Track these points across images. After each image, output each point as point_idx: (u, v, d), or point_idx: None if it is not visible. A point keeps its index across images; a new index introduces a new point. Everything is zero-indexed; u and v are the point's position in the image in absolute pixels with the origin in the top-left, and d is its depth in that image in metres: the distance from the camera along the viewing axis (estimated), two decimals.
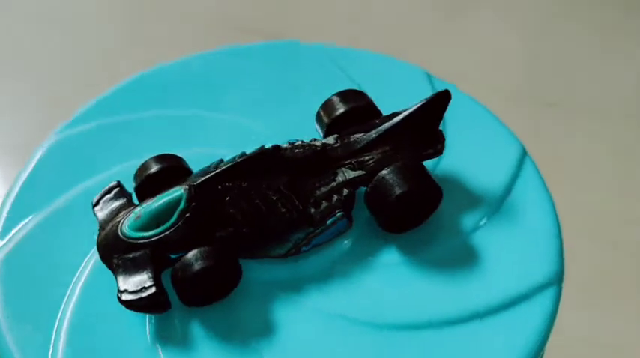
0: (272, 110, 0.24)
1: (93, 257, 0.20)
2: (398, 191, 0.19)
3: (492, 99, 0.53)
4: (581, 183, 0.49)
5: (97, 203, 0.20)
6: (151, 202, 0.19)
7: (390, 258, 0.20)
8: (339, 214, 0.20)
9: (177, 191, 0.19)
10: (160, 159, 0.20)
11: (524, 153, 0.23)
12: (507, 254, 0.20)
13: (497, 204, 0.21)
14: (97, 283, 0.20)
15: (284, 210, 0.19)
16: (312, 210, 0.20)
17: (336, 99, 0.22)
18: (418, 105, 0.20)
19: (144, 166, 0.20)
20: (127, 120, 0.24)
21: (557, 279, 0.20)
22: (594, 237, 0.46)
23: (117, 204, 0.20)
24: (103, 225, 0.19)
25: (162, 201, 0.19)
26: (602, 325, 0.43)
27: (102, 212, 0.20)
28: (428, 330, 0.19)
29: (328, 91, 0.22)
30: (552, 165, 0.51)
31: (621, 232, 0.47)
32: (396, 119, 0.20)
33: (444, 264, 0.20)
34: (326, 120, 0.21)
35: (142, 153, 0.22)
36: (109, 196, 0.20)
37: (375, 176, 0.20)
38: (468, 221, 0.21)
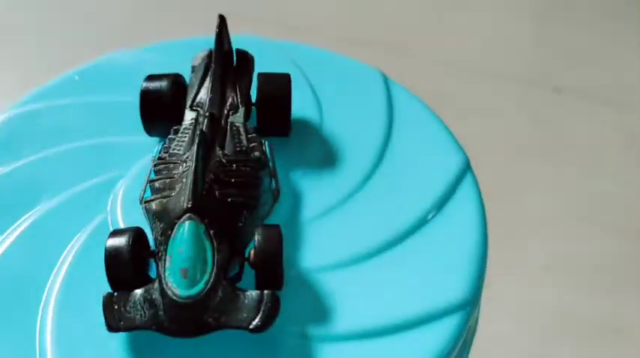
0: None
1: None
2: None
3: (501, 85, 0.52)
4: (589, 169, 0.49)
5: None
6: (170, 256, 0.18)
7: (309, 265, 0.20)
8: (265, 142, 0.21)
9: (185, 226, 0.18)
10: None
11: (467, 165, 0.22)
12: (425, 271, 0.20)
13: (426, 217, 0.21)
14: None
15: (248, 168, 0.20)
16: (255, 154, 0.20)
17: None
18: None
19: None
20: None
21: (469, 303, 0.19)
22: (601, 223, 0.46)
23: None
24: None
25: (183, 249, 0.18)
26: (612, 308, 0.42)
27: None
28: (323, 343, 0.18)
29: None
30: (560, 150, 0.50)
31: (628, 218, 0.46)
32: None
33: (361, 273, 0.20)
34: None
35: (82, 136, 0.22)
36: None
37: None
38: (394, 231, 0.20)
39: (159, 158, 0.20)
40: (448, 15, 0.59)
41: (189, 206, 0.18)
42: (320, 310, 0.19)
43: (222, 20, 0.22)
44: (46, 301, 0.19)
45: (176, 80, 0.22)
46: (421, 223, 0.21)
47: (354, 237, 0.20)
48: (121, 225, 0.21)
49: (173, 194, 0.19)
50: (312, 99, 0.24)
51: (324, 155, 0.22)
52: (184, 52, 0.26)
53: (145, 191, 0.20)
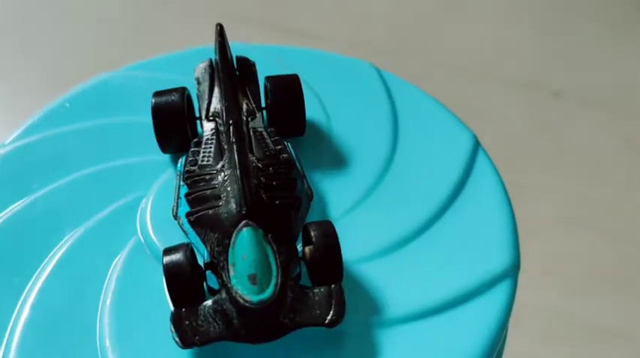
0: None
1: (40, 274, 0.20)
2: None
3: (500, 88, 0.53)
4: (587, 174, 0.50)
5: None
6: (233, 265, 0.18)
7: (347, 258, 0.20)
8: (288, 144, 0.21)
9: (244, 233, 0.18)
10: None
11: (476, 143, 0.23)
12: (461, 248, 0.20)
13: (450, 198, 0.22)
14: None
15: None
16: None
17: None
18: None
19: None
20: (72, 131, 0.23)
21: (512, 270, 0.20)
22: (600, 228, 0.46)
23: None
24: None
25: (247, 256, 0.18)
26: (612, 312, 0.43)
27: None
28: (385, 327, 0.19)
29: None
30: (558, 155, 0.51)
31: (627, 224, 0.47)
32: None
33: (400, 260, 0.20)
34: None
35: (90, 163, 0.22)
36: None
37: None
38: (422, 216, 0.21)
39: (187, 171, 0.20)
40: (447, 19, 0.60)
41: (244, 212, 0.18)
42: (372, 298, 0.19)
43: (221, 28, 0.23)
44: (101, 334, 0.19)
45: (184, 93, 0.22)
46: (447, 204, 0.21)
47: (384, 228, 0.21)
48: (158, 244, 0.20)
49: (221, 203, 0.19)
50: (311, 98, 0.24)
51: (336, 152, 0.23)
52: (172, 67, 0.26)
53: (178, 206, 0.20)
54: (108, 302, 0.19)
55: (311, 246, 0.18)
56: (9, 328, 0.19)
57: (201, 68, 0.23)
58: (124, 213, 0.21)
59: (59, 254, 0.20)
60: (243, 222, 0.18)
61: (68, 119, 0.24)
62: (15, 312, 0.19)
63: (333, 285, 0.18)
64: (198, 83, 0.23)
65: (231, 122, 0.21)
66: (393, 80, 0.25)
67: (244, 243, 0.18)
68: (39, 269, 0.20)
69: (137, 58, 0.26)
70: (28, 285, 0.20)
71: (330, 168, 0.23)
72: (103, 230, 0.21)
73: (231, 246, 0.18)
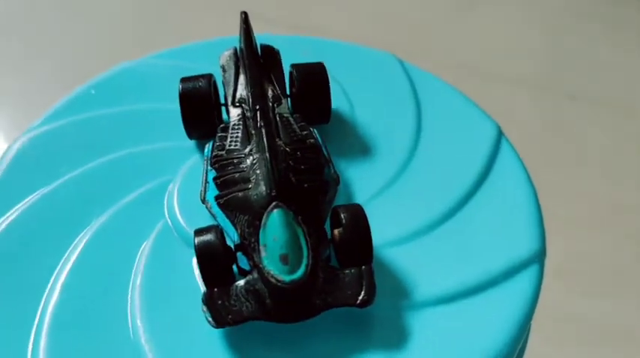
0: None
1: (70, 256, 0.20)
2: None
3: (514, 91, 0.53)
4: (603, 175, 0.49)
5: None
6: (264, 246, 0.18)
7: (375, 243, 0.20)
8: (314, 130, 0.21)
9: (274, 214, 0.18)
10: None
11: (499, 132, 0.23)
12: (489, 233, 0.21)
13: (476, 185, 0.22)
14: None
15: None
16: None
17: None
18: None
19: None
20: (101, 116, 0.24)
21: (539, 255, 0.20)
22: (615, 229, 0.46)
23: None
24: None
25: (278, 237, 0.18)
26: (625, 313, 0.43)
27: None
28: (412, 311, 0.19)
29: None
30: (573, 156, 0.51)
31: None
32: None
33: (426, 245, 0.20)
34: None
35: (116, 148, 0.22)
36: None
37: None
38: (448, 202, 0.21)
39: (215, 156, 0.21)
40: (462, 20, 0.60)
41: (274, 194, 0.18)
42: (398, 282, 0.20)
43: (246, 16, 0.23)
44: (132, 314, 0.19)
45: (211, 79, 0.22)
46: (472, 191, 0.22)
47: (409, 214, 0.21)
48: (185, 227, 0.20)
49: (250, 186, 0.19)
50: (335, 88, 0.24)
51: (361, 141, 0.23)
52: (194, 56, 0.26)
53: (206, 190, 0.20)
54: (138, 282, 0.19)
55: (340, 229, 0.19)
56: (40, 308, 0.19)
57: (226, 56, 0.23)
58: (151, 197, 0.21)
59: (88, 236, 0.20)
60: (274, 203, 0.18)
61: (94, 105, 0.24)
62: (46, 292, 0.19)
63: (363, 266, 0.18)
64: (224, 70, 0.23)
65: (258, 107, 0.21)
66: (415, 71, 0.25)
67: (275, 224, 0.18)
68: (68, 251, 0.20)
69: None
70: (58, 266, 0.20)
71: (355, 156, 0.23)
72: (131, 213, 0.21)
73: (262, 227, 0.18)
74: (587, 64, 0.57)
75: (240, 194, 0.19)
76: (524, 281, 0.19)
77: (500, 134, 0.23)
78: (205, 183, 0.21)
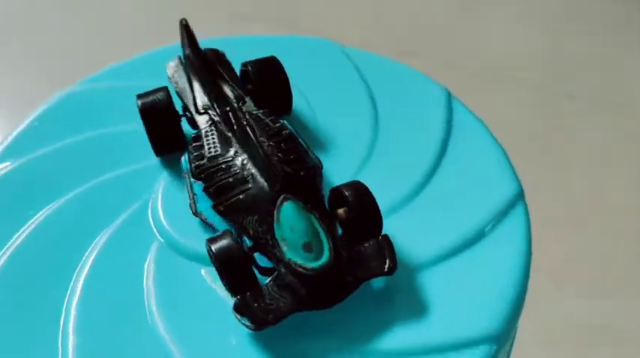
0: None
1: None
2: None
3: (514, 90, 0.52)
4: (600, 174, 0.50)
5: None
6: (283, 240, 0.18)
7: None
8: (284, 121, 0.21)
9: (285, 207, 0.18)
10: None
11: (449, 95, 0.24)
12: (466, 187, 0.22)
13: (442, 147, 0.23)
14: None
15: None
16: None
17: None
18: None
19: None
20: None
21: (520, 194, 0.21)
22: (611, 228, 0.46)
23: None
24: None
25: (295, 227, 0.18)
26: (621, 313, 0.43)
27: None
28: (421, 272, 0.20)
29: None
30: (572, 155, 0.50)
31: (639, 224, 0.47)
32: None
33: (412, 213, 0.21)
34: None
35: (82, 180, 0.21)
36: None
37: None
38: (421, 170, 0.22)
39: (197, 166, 0.20)
40: (461, 20, 0.59)
41: (279, 188, 0.18)
42: (399, 250, 0.20)
43: (186, 23, 0.23)
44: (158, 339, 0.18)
45: (168, 91, 0.22)
46: (440, 154, 0.22)
47: (389, 187, 0.21)
48: (182, 242, 0.20)
49: (250, 186, 0.19)
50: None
51: (322, 129, 0.24)
52: (126, 76, 0.25)
53: (195, 203, 0.20)
54: (154, 307, 0.19)
55: (345, 208, 0.19)
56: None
57: (172, 67, 0.23)
58: (135, 220, 0.21)
59: (84, 272, 0.20)
60: (282, 196, 0.18)
61: (44, 139, 0.23)
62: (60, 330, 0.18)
63: (380, 237, 0.19)
64: (176, 81, 0.23)
65: (228, 109, 0.21)
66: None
67: (289, 216, 0.18)
68: (69, 289, 0.19)
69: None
70: (64, 303, 0.19)
71: (321, 143, 0.23)
72: (120, 242, 0.20)
73: (275, 222, 0.18)
74: (587, 63, 0.57)
75: (241, 196, 0.19)
76: (514, 222, 0.21)
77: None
78: (193, 196, 0.20)
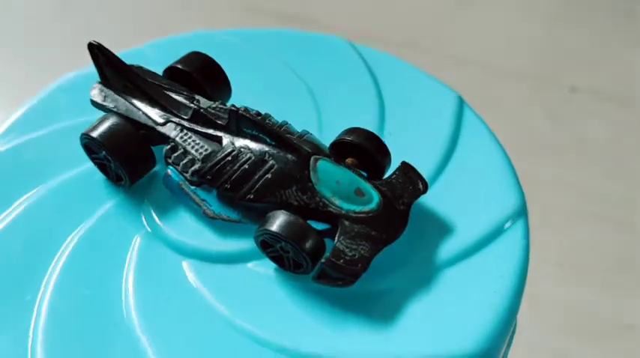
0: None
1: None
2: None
3: (515, 83, 0.51)
4: (603, 167, 0.50)
5: None
6: (332, 196, 0.19)
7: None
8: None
9: (320, 165, 0.19)
10: None
11: (460, 101, 0.24)
12: (467, 198, 0.21)
13: (447, 153, 0.22)
14: None
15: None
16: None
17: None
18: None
19: None
20: None
21: (521, 210, 0.20)
22: (614, 220, 0.47)
23: None
24: None
25: (340, 179, 0.19)
26: (626, 306, 0.43)
27: None
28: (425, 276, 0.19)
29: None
30: (574, 148, 0.49)
31: None
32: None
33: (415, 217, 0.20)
34: None
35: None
36: None
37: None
38: (427, 172, 0.21)
39: (195, 172, 0.20)
40: (461, 13, 0.59)
41: (308, 152, 0.19)
42: (405, 253, 0.19)
43: (100, 46, 0.21)
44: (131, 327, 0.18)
45: (118, 115, 0.20)
46: (444, 161, 0.22)
47: None
48: (166, 230, 0.20)
49: (271, 162, 0.19)
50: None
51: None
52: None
53: (208, 207, 0.20)
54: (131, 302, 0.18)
55: (352, 157, 0.20)
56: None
57: (96, 91, 0.21)
58: (124, 208, 0.20)
59: (63, 258, 0.19)
60: (312, 158, 0.19)
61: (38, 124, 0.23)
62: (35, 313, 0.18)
63: (399, 165, 0.20)
64: (114, 106, 0.21)
65: (196, 109, 0.20)
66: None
67: (329, 172, 0.19)
68: (47, 274, 0.19)
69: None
70: (39, 296, 0.18)
71: (326, 143, 0.22)
72: (106, 229, 0.20)
73: (316, 183, 0.19)
74: (588, 56, 0.57)
75: (269, 176, 0.19)
76: (514, 235, 0.20)
77: (461, 102, 0.23)
78: (202, 201, 0.20)
